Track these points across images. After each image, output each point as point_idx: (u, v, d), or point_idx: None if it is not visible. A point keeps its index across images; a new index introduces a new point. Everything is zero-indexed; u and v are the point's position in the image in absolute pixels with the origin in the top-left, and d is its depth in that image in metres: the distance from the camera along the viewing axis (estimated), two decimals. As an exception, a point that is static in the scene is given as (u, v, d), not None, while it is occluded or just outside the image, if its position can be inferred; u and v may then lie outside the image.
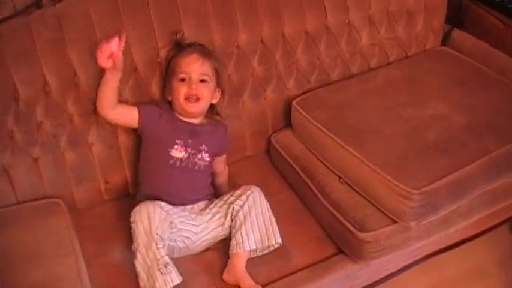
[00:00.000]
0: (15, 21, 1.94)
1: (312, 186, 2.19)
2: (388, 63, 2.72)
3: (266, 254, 2.01)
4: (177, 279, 1.77)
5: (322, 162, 2.24)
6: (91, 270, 1.83)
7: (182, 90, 2.02)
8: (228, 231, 2.00)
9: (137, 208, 1.84)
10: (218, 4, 2.21)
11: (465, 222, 2.26)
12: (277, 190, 2.31)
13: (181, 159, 2.02)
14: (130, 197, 2.18)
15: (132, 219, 1.85)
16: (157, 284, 1.75)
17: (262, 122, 2.43)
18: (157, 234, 1.78)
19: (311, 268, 2.01)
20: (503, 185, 2.25)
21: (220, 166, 2.23)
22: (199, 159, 2.05)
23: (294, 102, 2.36)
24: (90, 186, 2.15)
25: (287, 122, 2.44)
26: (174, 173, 2.02)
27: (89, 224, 2.09)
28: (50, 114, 2.00)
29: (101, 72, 1.93)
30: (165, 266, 1.76)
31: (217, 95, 2.14)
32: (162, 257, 1.76)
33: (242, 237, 1.92)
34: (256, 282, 1.89)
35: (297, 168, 2.27)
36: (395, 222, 2.01)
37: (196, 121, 2.09)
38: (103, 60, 1.87)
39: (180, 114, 2.07)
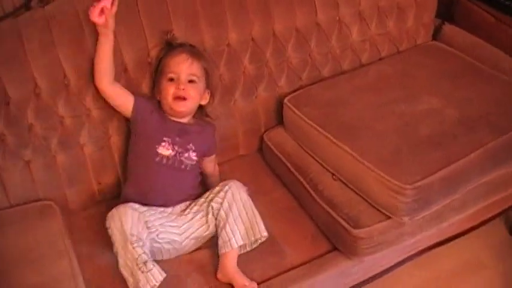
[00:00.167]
0: (4, 23, 1.94)
1: (305, 183, 2.19)
2: (380, 59, 2.71)
3: (260, 252, 2.01)
4: (159, 275, 1.77)
5: (315, 159, 2.24)
6: (85, 272, 1.82)
7: (170, 90, 2.02)
8: (214, 229, 1.99)
9: (109, 214, 1.85)
10: (207, 3, 2.20)
11: (459, 216, 2.26)
12: (270, 188, 2.31)
13: (167, 157, 2.02)
14: (123, 197, 2.17)
15: (107, 225, 1.87)
16: (140, 284, 1.75)
17: (254, 121, 2.42)
18: (131, 234, 1.78)
19: (306, 265, 2.01)
20: (496, 178, 2.25)
21: (210, 166, 2.23)
22: (186, 158, 2.05)
23: (285, 100, 2.36)
24: (83, 188, 2.14)
25: (279, 119, 2.44)
26: (160, 171, 2.02)
27: (82, 225, 2.08)
28: (41, 117, 1.99)
29: (89, 76, 1.95)
30: (144, 264, 1.75)
31: (207, 96, 2.14)
32: (139, 255, 1.76)
33: (228, 236, 1.91)
34: (251, 279, 1.90)
35: (290, 166, 2.27)
36: (389, 217, 2.01)
37: (184, 120, 2.09)
38: (95, 15, 1.88)
39: (169, 114, 2.07)
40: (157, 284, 1.76)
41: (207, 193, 2.03)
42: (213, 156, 2.22)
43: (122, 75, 2.07)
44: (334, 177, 2.15)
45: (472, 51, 2.73)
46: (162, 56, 2.10)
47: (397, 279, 2.43)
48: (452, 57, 2.69)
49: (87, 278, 1.81)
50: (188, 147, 2.06)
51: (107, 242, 1.95)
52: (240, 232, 1.93)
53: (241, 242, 1.92)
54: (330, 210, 2.05)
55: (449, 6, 2.96)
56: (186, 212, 2.01)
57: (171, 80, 2.02)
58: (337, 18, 2.52)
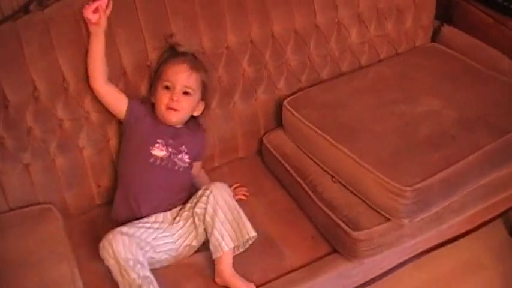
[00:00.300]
0: (3, 27, 1.93)
1: (304, 185, 2.18)
2: (379, 61, 2.71)
3: (260, 254, 2.01)
4: None
5: (314, 161, 2.23)
6: (84, 276, 1.81)
7: (164, 99, 2.02)
8: (204, 233, 1.98)
9: (101, 245, 1.83)
10: (206, 5, 2.20)
11: (458, 218, 2.26)
12: (269, 190, 2.32)
13: (161, 158, 2.02)
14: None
15: (101, 257, 1.84)
16: None
17: (253, 123, 2.42)
18: (126, 259, 1.79)
19: (305, 268, 2.01)
20: (495, 180, 2.25)
21: (197, 170, 2.23)
22: (179, 160, 2.05)
23: (285, 102, 2.35)
24: (82, 191, 2.14)
25: (278, 122, 2.43)
26: (153, 171, 2.02)
27: (82, 229, 2.09)
28: (40, 120, 1.99)
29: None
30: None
31: (201, 107, 2.14)
32: (133, 280, 1.78)
33: (217, 240, 1.90)
34: (250, 282, 1.90)
35: (289, 168, 2.27)
36: (389, 220, 2.01)
37: (176, 125, 2.09)
38: (89, 12, 1.90)
39: (161, 119, 2.07)
40: None
41: (193, 197, 2.01)
42: (200, 163, 2.24)
43: (120, 78, 2.08)
44: (333, 179, 2.15)
45: (471, 52, 2.72)
46: (163, 60, 2.09)
47: (397, 281, 2.43)
48: (451, 59, 2.69)
49: (86, 282, 1.80)
50: (181, 149, 2.07)
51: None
52: (229, 235, 1.91)
53: (231, 245, 1.90)
54: (330, 213, 2.05)
55: (448, 8, 2.96)
56: (176, 220, 2.00)
57: (167, 88, 2.03)
58: (336, 20, 2.52)
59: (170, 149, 2.04)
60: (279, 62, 2.41)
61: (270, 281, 1.95)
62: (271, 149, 2.37)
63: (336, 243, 2.07)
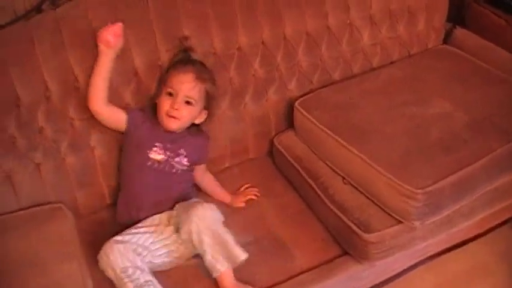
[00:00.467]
0: (15, 26, 1.94)
1: (315, 187, 2.18)
2: (391, 63, 2.70)
3: (270, 255, 2.02)
4: None
5: (325, 163, 2.23)
6: (94, 276, 1.82)
7: (165, 106, 2.02)
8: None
9: (98, 256, 1.83)
10: (218, 6, 2.20)
11: (468, 222, 2.26)
12: (280, 192, 2.31)
13: (159, 161, 2.03)
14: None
15: (101, 269, 1.84)
16: None
17: (264, 124, 2.42)
18: (123, 268, 1.80)
19: (316, 270, 2.00)
20: (506, 184, 2.24)
21: (198, 175, 2.23)
22: (176, 162, 2.05)
23: (296, 104, 2.35)
24: (93, 191, 2.15)
25: (290, 123, 2.42)
26: (150, 174, 2.03)
27: (92, 229, 2.08)
28: (51, 119, 1.99)
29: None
30: None
31: (203, 116, 2.13)
32: None
33: (211, 263, 1.86)
34: (261, 284, 1.90)
35: (300, 170, 2.26)
36: (400, 222, 2.00)
37: (176, 131, 2.08)
38: (104, 37, 1.90)
39: (161, 124, 2.06)
40: None
41: (175, 211, 2.00)
42: (202, 166, 2.23)
43: (132, 79, 2.07)
44: (344, 181, 2.14)
45: (483, 54, 2.71)
46: (172, 64, 2.09)
47: (407, 284, 2.41)
48: (463, 61, 2.68)
49: (96, 282, 1.81)
50: (179, 152, 2.07)
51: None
52: (221, 257, 1.87)
53: (226, 265, 1.87)
54: (341, 215, 2.05)
55: (460, 10, 2.94)
56: (171, 222, 1.99)
57: (170, 94, 2.02)
58: (348, 21, 2.52)
59: (168, 153, 2.04)
60: (291, 63, 2.40)
61: (280, 283, 1.95)
62: (282, 150, 2.37)
63: (347, 246, 2.06)
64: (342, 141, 2.13)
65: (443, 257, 2.44)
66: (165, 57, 2.12)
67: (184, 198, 2.07)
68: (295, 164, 2.29)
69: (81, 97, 2.00)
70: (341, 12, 2.49)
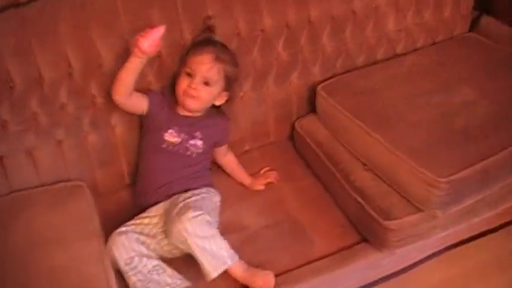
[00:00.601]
0: (39, 3, 1.92)
1: (336, 173, 2.16)
2: (415, 50, 2.66)
3: (289, 239, 2.03)
4: None
5: (347, 148, 2.21)
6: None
7: (183, 85, 2.01)
8: None
9: (106, 250, 1.82)
10: (243, -13, 2.18)
11: (491, 212, 2.22)
12: (300, 176, 2.30)
13: (173, 144, 2.03)
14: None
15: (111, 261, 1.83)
16: None
17: (286, 107, 2.41)
18: (127, 260, 1.81)
19: (335, 256, 1.99)
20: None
21: (220, 157, 2.24)
22: (191, 145, 2.05)
23: (319, 88, 2.33)
24: (113, 170, 2.16)
25: (312, 107, 2.41)
26: (164, 156, 2.04)
27: (111, 207, 2.10)
28: (73, 96, 1.99)
29: (125, 55, 1.91)
30: None
31: (223, 98, 2.11)
32: (133, 283, 1.80)
33: (208, 268, 1.82)
34: (279, 268, 1.90)
35: (321, 155, 2.25)
36: (421, 210, 1.98)
37: (194, 114, 2.08)
38: (146, 45, 1.84)
39: (180, 104, 2.05)
40: None
41: (174, 208, 1.92)
42: (224, 147, 2.22)
43: (155, 58, 2.05)
44: (366, 167, 2.12)
45: (510, 43, 2.67)
46: (193, 45, 2.08)
47: (424, 273, 2.40)
48: (489, 50, 2.64)
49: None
50: (195, 135, 2.06)
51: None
52: (218, 260, 1.83)
53: (228, 263, 1.84)
54: (361, 201, 2.03)
55: (488, -2, 2.90)
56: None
57: (189, 74, 2.01)
58: (374, 6, 2.48)
59: (183, 135, 2.04)
60: (314, 47, 2.37)
61: (297, 267, 1.94)
62: (303, 135, 2.35)
63: (367, 233, 2.05)
64: (364, 127, 2.11)
65: (462, 247, 2.42)
66: (188, 37, 2.11)
67: (198, 181, 2.07)
68: (316, 149, 2.28)
69: (104, 74, 2.00)
70: (367, -3, 2.46)
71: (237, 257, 1.85)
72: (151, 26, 1.85)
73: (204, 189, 2.05)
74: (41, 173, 2.01)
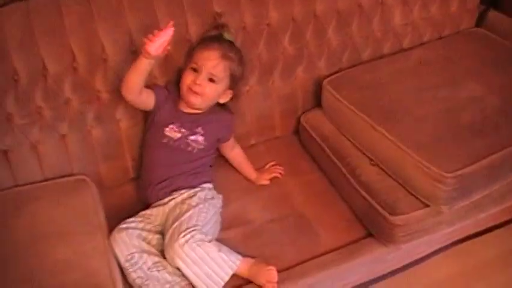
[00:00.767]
0: (44, -4, 1.92)
1: (342, 167, 2.15)
2: (421, 44, 2.65)
3: (295, 234, 2.02)
4: None
5: (352, 143, 2.20)
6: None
7: (188, 80, 2.00)
8: None
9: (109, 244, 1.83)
10: (249, -19, 2.17)
11: (497, 208, 2.21)
12: (306, 171, 2.30)
13: (174, 139, 2.02)
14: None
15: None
16: None
17: (292, 102, 2.40)
18: (127, 257, 1.81)
19: (340, 250, 1.99)
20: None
21: (227, 152, 2.24)
22: (192, 141, 2.04)
23: (324, 82, 2.32)
24: (117, 164, 2.15)
25: (317, 102, 2.40)
26: (166, 150, 2.03)
27: (115, 202, 2.09)
28: (78, 91, 1.99)
29: (130, 50, 1.91)
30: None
31: (228, 95, 2.10)
32: (133, 280, 1.80)
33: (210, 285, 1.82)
34: (285, 262, 1.90)
35: (327, 149, 2.24)
36: (427, 205, 1.97)
37: (197, 111, 2.07)
38: (153, 48, 1.81)
39: (183, 99, 2.05)
40: None
41: (172, 220, 1.91)
42: (230, 142, 2.21)
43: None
44: (372, 162, 2.11)
45: (517, 38, 2.66)
46: (201, 40, 2.07)
47: (431, 269, 2.40)
48: (495, 44, 2.63)
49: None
50: (196, 130, 2.05)
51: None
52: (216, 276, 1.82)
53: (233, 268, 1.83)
54: (367, 196, 2.02)
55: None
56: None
57: (194, 70, 2.00)
58: (380, 0, 2.47)
59: (183, 130, 2.03)
60: (320, 41, 2.36)
61: (303, 262, 1.93)
62: (309, 129, 2.35)
63: (372, 227, 2.04)
64: (370, 122, 2.10)
65: (468, 243, 2.42)
66: (193, 32, 2.10)
67: (199, 177, 2.06)
68: (322, 143, 2.27)
69: (109, 69, 2.00)
70: (373, -10, 2.45)
71: (239, 261, 1.84)
72: (160, 28, 1.84)
73: (204, 193, 2.03)
74: (45, 167, 2.01)
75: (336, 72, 2.40)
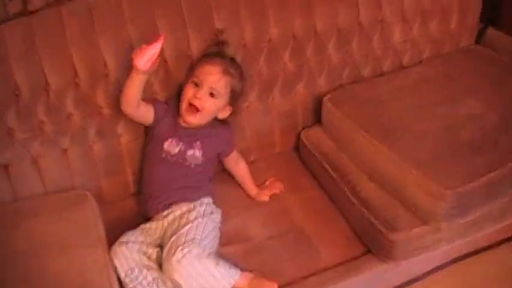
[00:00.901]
0: (46, 11, 1.93)
1: (341, 184, 2.15)
2: (421, 61, 2.67)
3: (295, 250, 2.01)
4: None
5: (352, 160, 2.21)
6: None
7: (188, 94, 2.01)
8: None
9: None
10: (250, -3, 2.19)
11: (497, 226, 2.21)
12: (305, 187, 2.30)
13: (172, 154, 2.03)
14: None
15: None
16: None
17: (292, 118, 2.40)
18: (127, 272, 1.80)
19: (340, 267, 1.98)
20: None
21: (230, 165, 2.24)
22: (190, 156, 2.04)
23: (325, 99, 2.33)
24: (118, 179, 2.16)
25: (317, 118, 2.41)
26: (165, 165, 2.03)
27: (116, 216, 2.08)
28: (80, 106, 1.99)
29: (130, 67, 1.91)
30: None
31: (227, 111, 2.11)
32: None
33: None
34: (284, 279, 1.90)
35: (327, 166, 2.24)
36: (426, 222, 1.97)
37: (195, 127, 2.07)
38: (141, 63, 1.82)
39: (181, 115, 2.05)
40: None
41: (171, 233, 1.91)
42: (232, 155, 2.21)
43: (160, 67, 2.05)
44: (371, 178, 2.11)
45: (516, 56, 2.67)
46: (203, 56, 2.08)
47: (430, 286, 2.37)
48: (494, 62, 2.64)
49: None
50: (194, 144, 2.05)
51: (141, 234, 1.95)
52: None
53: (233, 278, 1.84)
54: (367, 213, 2.02)
55: (495, 9, 2.89)
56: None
57: (195, 84, 2.01)
58: (380, 18, 2.48)
59: (181, 144, 2.03)
60: (320, 58, 2.37)
61: (303, 278, 1.93)
62: (309, 146, 2.35)
63: (372, 244, 2.04)
64: (370, 139, 2.11)
65: (468, 260, 2.41)
66: (194, 48, 2.11)
67: (198, 192, 2.06)
68: (322, 160, 2.27)
69: (110, 84, 2.01)
70: (373, 8, 2.45)
71: (237, 275, 1.84)
72: (148, 42, 1.83)
73: (203, 207, 2.02)
74: (46, 181, 2.01)
75: (336, 89, 2.41)
